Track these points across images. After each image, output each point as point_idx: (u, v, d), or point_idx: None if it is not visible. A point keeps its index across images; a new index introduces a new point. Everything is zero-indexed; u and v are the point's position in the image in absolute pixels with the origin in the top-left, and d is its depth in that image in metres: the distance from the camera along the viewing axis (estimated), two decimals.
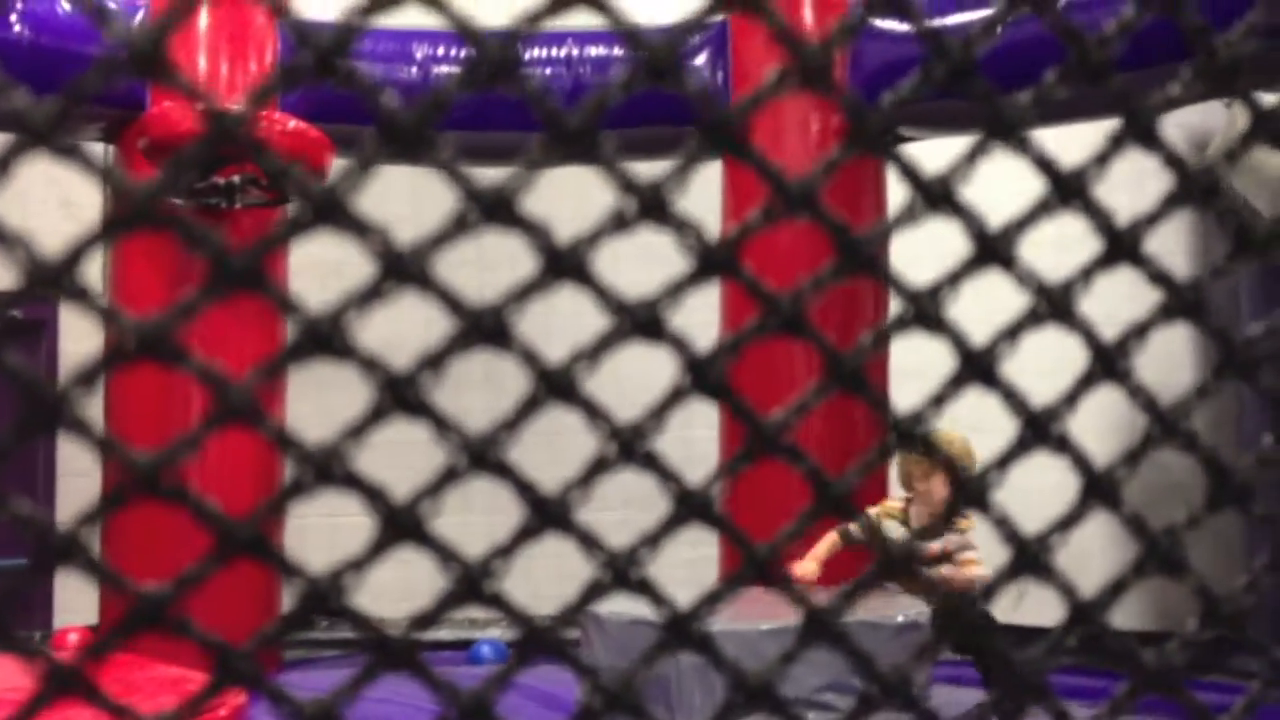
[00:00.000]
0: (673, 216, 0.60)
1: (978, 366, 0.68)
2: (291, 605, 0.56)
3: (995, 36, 0.66)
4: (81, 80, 0.53)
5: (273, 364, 0.55)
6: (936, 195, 0.65)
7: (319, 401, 4.08)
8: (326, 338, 0.55)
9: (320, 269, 4.48)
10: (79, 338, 6.74)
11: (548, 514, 0.59)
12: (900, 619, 3.85)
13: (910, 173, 0.65)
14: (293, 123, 5.59)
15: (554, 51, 6.58)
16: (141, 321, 0.53)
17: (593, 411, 0.60)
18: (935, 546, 4.36)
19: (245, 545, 0.54)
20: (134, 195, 0.54)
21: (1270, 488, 0.77)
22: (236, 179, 5.46)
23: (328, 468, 0.55)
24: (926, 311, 0.66)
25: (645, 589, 0.62)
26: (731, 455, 0.65)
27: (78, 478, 6.42)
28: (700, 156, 0.60)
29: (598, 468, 0.60)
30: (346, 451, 0.56)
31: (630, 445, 0.60)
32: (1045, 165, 0.68)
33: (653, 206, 0.60)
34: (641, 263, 2.25)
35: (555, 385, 0.59)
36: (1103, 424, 2.55)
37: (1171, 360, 4.61)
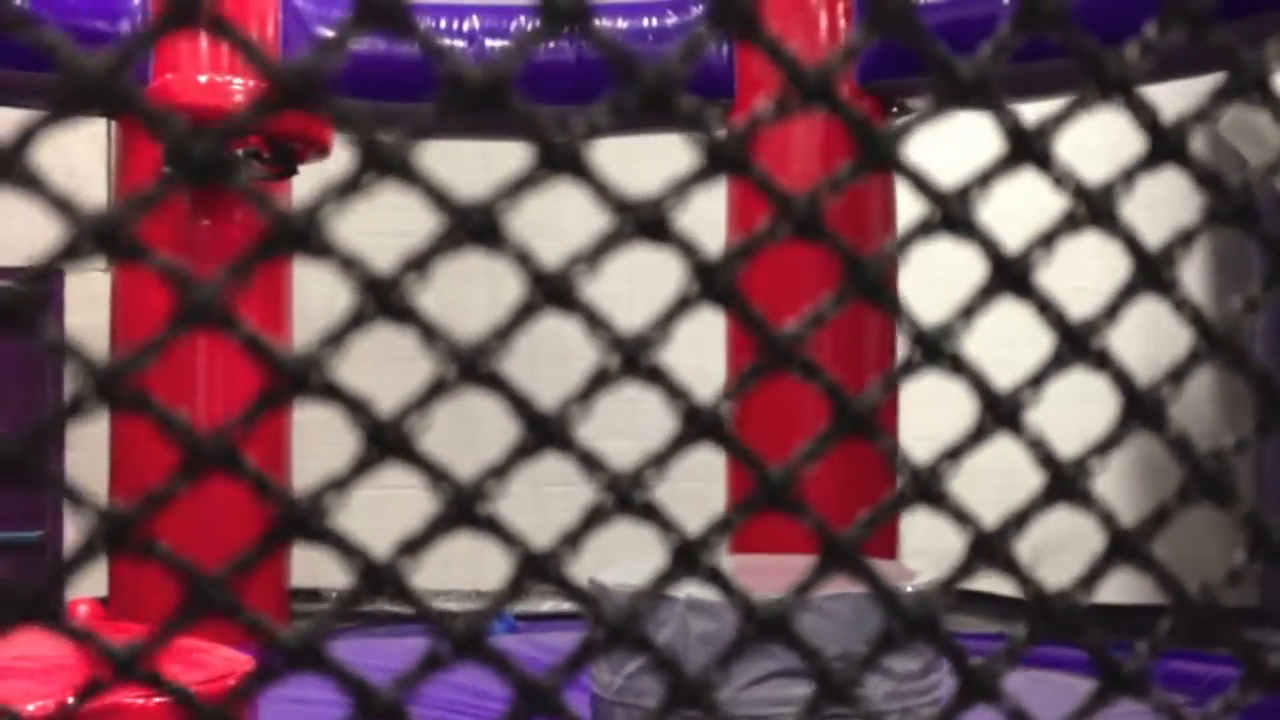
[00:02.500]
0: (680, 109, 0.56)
1: (1010, 275, 0.63)
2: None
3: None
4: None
5: (241, 263, 0.50)
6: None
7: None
8: (301, 234, 0.51)
9: None
10: (84, 309, 6.73)
11: (545, 431, 0.54)
12: (909, 589, 3.81)
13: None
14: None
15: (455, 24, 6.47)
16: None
17: (593, 320, 0.55)
18: None
19: (215, 460, 0.50)
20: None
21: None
22: (240, 153, 5.41)
23: (305, 377, 0.51)
24: (954, 215, 0.61)
25: (651, 514, 0.57)
26: (740, 373, 0.61)
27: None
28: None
29: (599, 381, 0.56)
30: (325, 360, 0.51)
31: (634, 358, 0.56)
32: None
33: None
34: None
35: (553, 290, 0.55)
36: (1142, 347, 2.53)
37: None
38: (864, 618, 3.39)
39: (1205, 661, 4.57)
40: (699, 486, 3.71)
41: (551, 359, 3.78)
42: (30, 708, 2.54)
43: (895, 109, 6.09)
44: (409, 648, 0.55)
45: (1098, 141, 2.14)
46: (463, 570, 5.97)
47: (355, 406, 0.52)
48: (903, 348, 0.64)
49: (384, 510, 2.76)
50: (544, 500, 3.98)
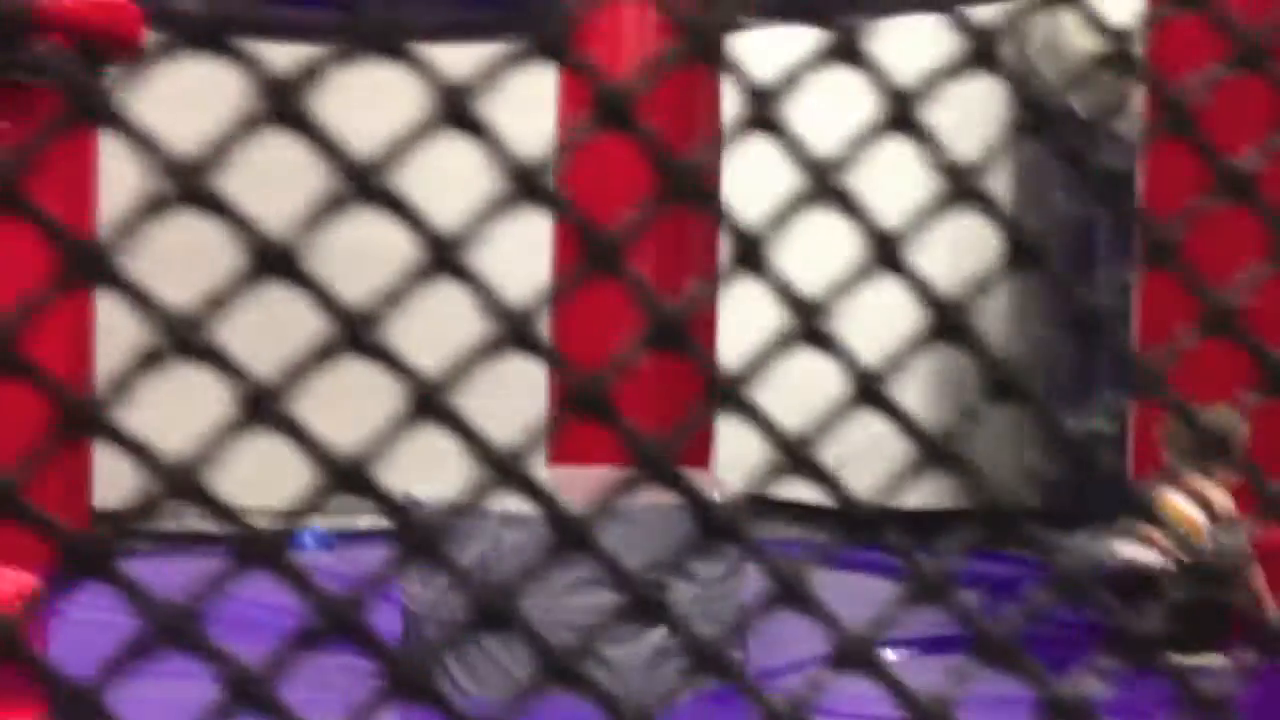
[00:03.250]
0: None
1: (825, 184, 0.63)
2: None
3: None
4: None
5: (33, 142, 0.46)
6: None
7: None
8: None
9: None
10: None
11: (353, 331, 0.52)
12: (717, 496, 3.87)
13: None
14: None
15: None
16: None
17: (409, 217, 0.53)
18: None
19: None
20: None
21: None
22: (46, 49, 5.07)
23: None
24: (769, 117, 0.61)
25: (457, 424, 0.56)
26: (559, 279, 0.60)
27: None
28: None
29: (413, 279, 0.54)
30: (118, 249, 0.48)
31: (447, 258, 0.54)
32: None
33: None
34: None
35: (361, 186, 0.52)
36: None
37: None
38: (672, 527, 3.44)
39: (990, 560, 4.80)
40: (522, 403, 3.69)
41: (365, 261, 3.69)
42: None
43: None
44: (209, 568, 0.52)
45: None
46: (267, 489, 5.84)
47: (143, 300, 0.49)
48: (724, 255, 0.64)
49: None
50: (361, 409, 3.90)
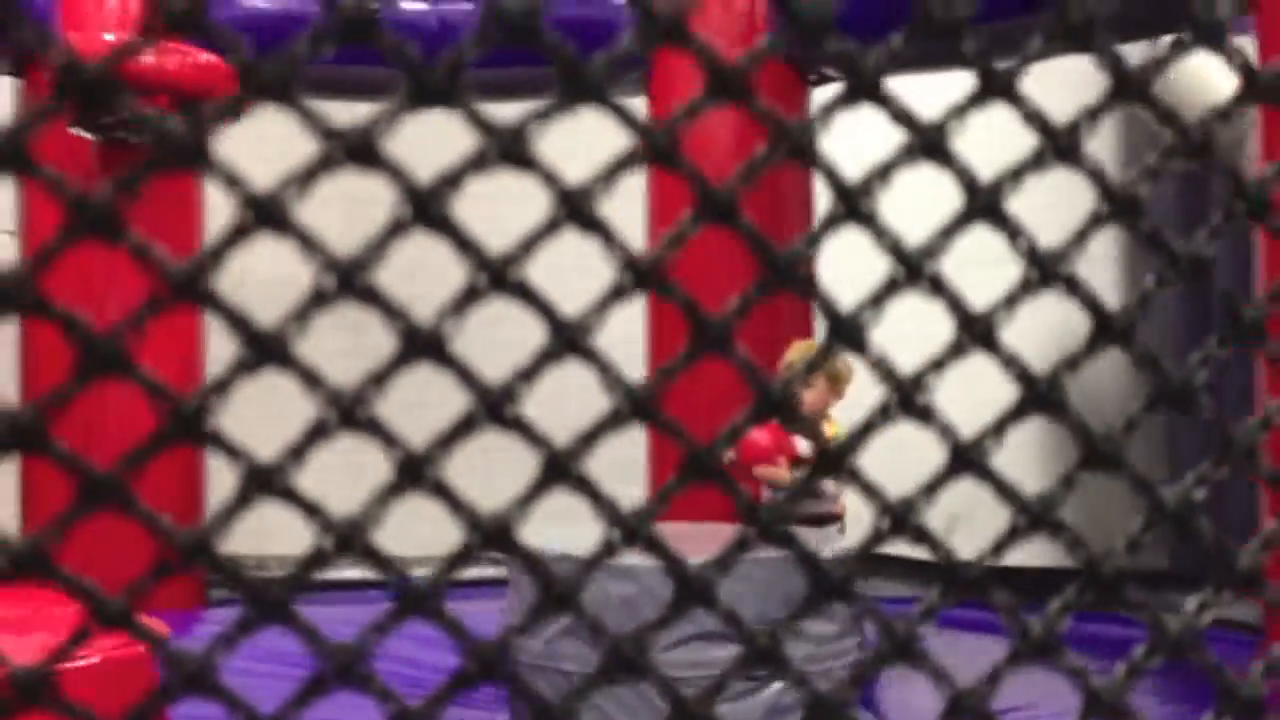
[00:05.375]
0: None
1: (913, 268, 0.68)
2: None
3: None
4: None
5: (137, 315, 0.52)
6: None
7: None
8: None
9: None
10: None
11: (490, 406, 0.57)
12: (827, 553, 3.87)
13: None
14: (205, 56, 5.54)
15: None
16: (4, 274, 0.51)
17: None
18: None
19: (108, 494, 0.52)
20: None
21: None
22: (147, 112, 5.35)
23: (192, 423, 0.53)
24: (858, 209, 0.65)
25: (584, 486, 0.61)
26: (662, 358, 0.64)
27: None
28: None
29: (540, 362, 0.59)
30: (213, 407, 0.53)
31: (574, 341, 0.59)
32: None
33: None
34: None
35: (495, 277, 0.58)
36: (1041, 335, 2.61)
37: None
38: (779, 582, 3.47)
39: (1118, 624, 4.75)
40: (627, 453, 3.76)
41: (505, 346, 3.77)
42: None
43: (814, 78, 6.21)
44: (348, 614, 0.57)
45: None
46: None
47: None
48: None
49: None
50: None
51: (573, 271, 2.41)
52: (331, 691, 0.52)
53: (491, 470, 3.50)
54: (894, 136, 0.68)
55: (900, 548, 0.69)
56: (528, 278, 0.59)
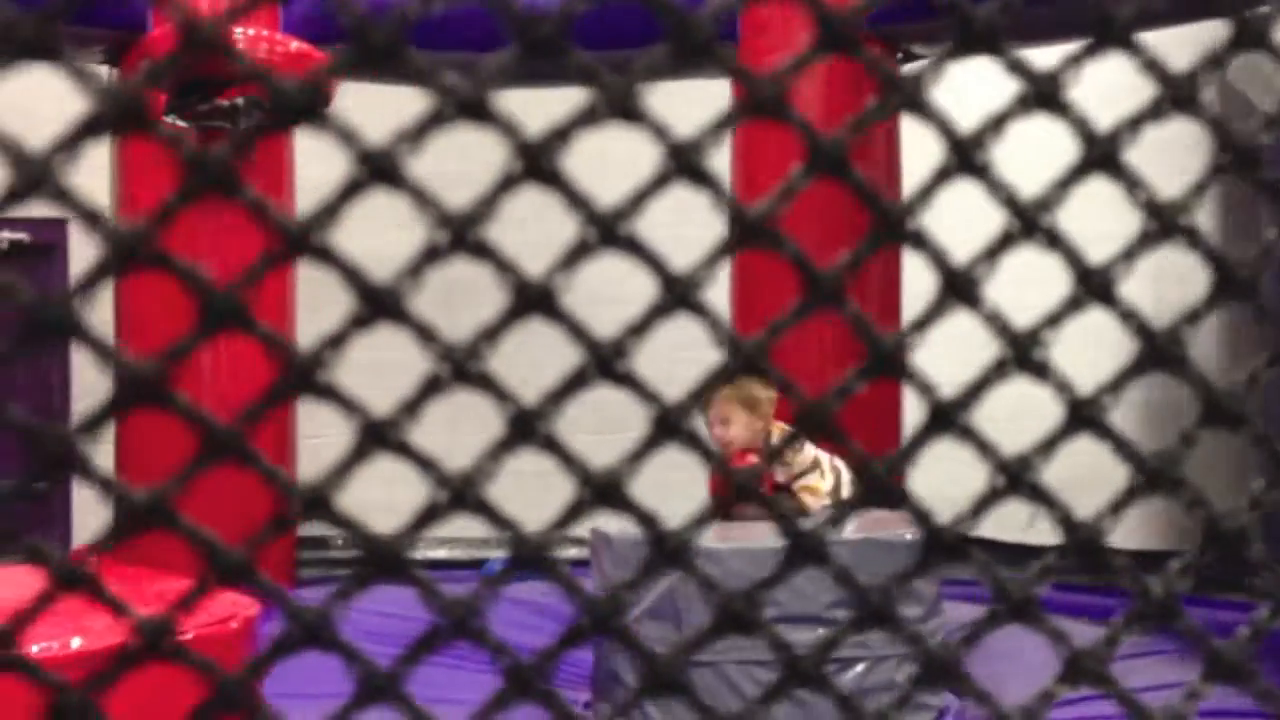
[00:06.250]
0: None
1: (1027, 220, 0.66)
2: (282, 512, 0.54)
3: None
4: None
5: (254, 270, 0.52)
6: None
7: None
8: (302, 242, 0.53)
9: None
10: (89, 260, 6.74)
11: (526, 427, 0.56)
12: (909, 537, 3.85)
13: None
14: (295, 44, 5.55)
15: None
16: (127, 230, 0.51)
17: (572, 326, 0.58)
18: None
19: (228, 448, 0.52)
20: (113, 99, 0.52)
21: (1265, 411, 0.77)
22: (240, 101, 5.42)
23: (309, 376, 0.53)
24: (970, 160, 0.64)
25: (627, 507, 0.59)
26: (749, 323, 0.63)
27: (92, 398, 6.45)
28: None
29: (578, 380, 0.58)
30: (328, 360, 0.53)
31: (610, 361, 0.58)
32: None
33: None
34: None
35: (532, 298, 0.57)
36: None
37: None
38: (861, 566, 3.45)
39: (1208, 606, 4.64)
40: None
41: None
42: (34, 649, 2.56)
43: (902, 54, 6.12)
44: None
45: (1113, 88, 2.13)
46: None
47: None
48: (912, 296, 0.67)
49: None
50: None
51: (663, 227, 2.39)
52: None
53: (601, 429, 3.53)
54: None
55: (982, 529, 0.67)
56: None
